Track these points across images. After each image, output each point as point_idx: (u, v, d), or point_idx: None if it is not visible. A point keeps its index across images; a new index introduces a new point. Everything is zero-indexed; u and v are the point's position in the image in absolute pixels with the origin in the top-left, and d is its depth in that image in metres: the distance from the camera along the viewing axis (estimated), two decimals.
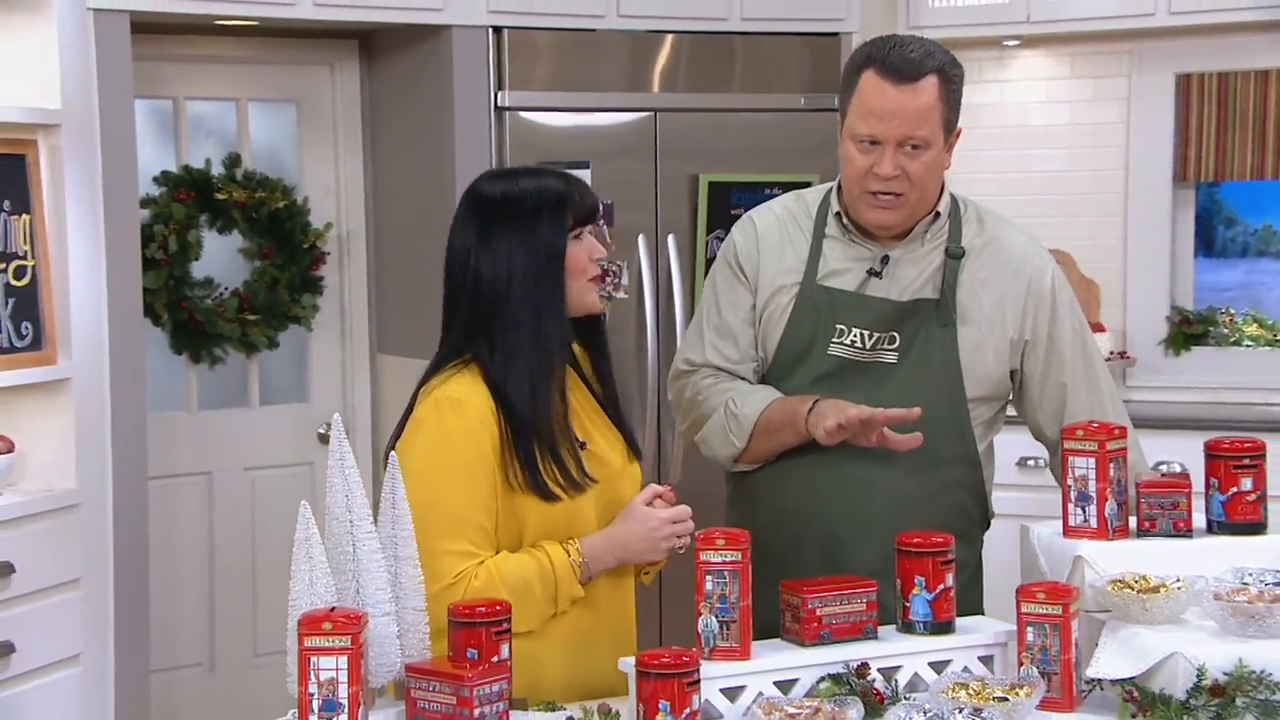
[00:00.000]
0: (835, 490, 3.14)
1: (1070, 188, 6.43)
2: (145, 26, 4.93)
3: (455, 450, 2.74)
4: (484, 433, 2.75)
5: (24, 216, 4.52)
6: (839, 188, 3.23)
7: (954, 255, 3.18)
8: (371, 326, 5.72)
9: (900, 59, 3.04)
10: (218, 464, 5.56)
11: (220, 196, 5.42)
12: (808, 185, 5.66)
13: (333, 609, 2.28)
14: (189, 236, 5.34)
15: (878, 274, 3.17)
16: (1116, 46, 6.30)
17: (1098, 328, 6.20)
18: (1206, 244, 6.68)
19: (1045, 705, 2.61)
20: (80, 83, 4.64)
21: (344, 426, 2.49)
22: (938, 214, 3.20)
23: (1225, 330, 6.29)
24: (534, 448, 2.77)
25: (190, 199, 5.38)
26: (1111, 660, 2.65)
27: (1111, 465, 2.83)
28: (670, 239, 5.45)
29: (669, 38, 5.52)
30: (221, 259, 5.53)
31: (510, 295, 2.80)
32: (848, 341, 3.16)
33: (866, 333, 3.15)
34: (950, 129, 3.12)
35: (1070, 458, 2.86)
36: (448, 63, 5.20)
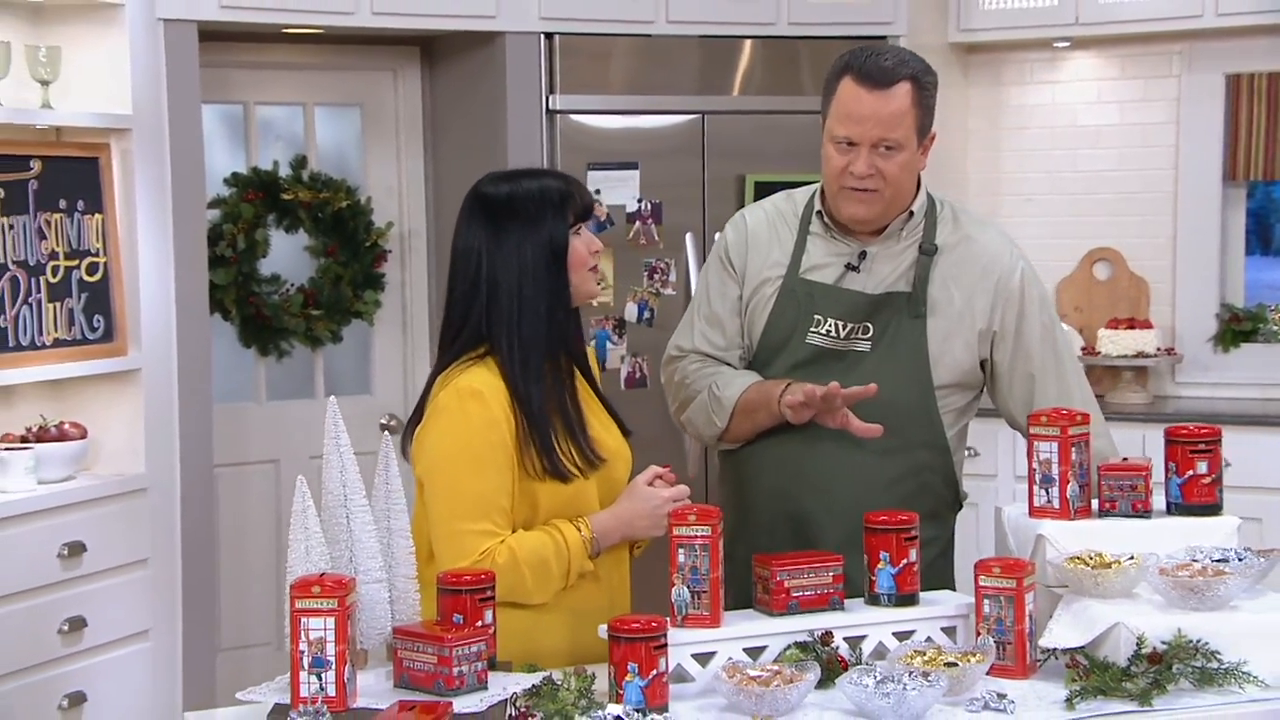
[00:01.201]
0: (806, 470, 3.35)
1: (1120, 187, 6.55)
2: (215, 35, 5.19)
3: (478, 437, 2.94)
4: (503, 421, 2.95)
5: (96, 216, 4.80)
6: (823, 189, 3.42)
7: (926, 252, 3.37)
8: (431, 321, 5.91)
9: (875, 67, 3.24)
10: (285, 452, 5.78)
11: (286, 197, 5.67)
12: None
13: (323, 574, 2.50)
14: (257, 235, 5.60)
15: (855, 268, 3.37)
16: (1166, 47, 6.41)
17: (1145, 325, 6.31)
18: (1264, 242, 6.76)
19: (1000, 672, 2.79)
20: (150, 89, 4.89)
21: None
22: (911, 213, 3.38)
23: (1275, 327, 6.37)
24: (552, 433, 2.97)
25: (258, 199, 5.64)
26: (1063, 631, 2.82)
27: (1073, 449, 3.00)
28: (717, 237, 5.60)
29: (716, 42, 5.69)
30: (288, 256, 5.78)
31: (523, 290, 2.99)
32: (823, 331, 3.36)
33: (841, 323, 3.35)
34: (924, 133, 3.30)
35: (1035, 442, 3.04)
36: (501, 68, 5.42)
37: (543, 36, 5.45)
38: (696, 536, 2.77)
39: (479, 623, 2.65)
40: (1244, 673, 2.69)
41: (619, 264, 5.51)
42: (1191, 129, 6.41)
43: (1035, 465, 3.03)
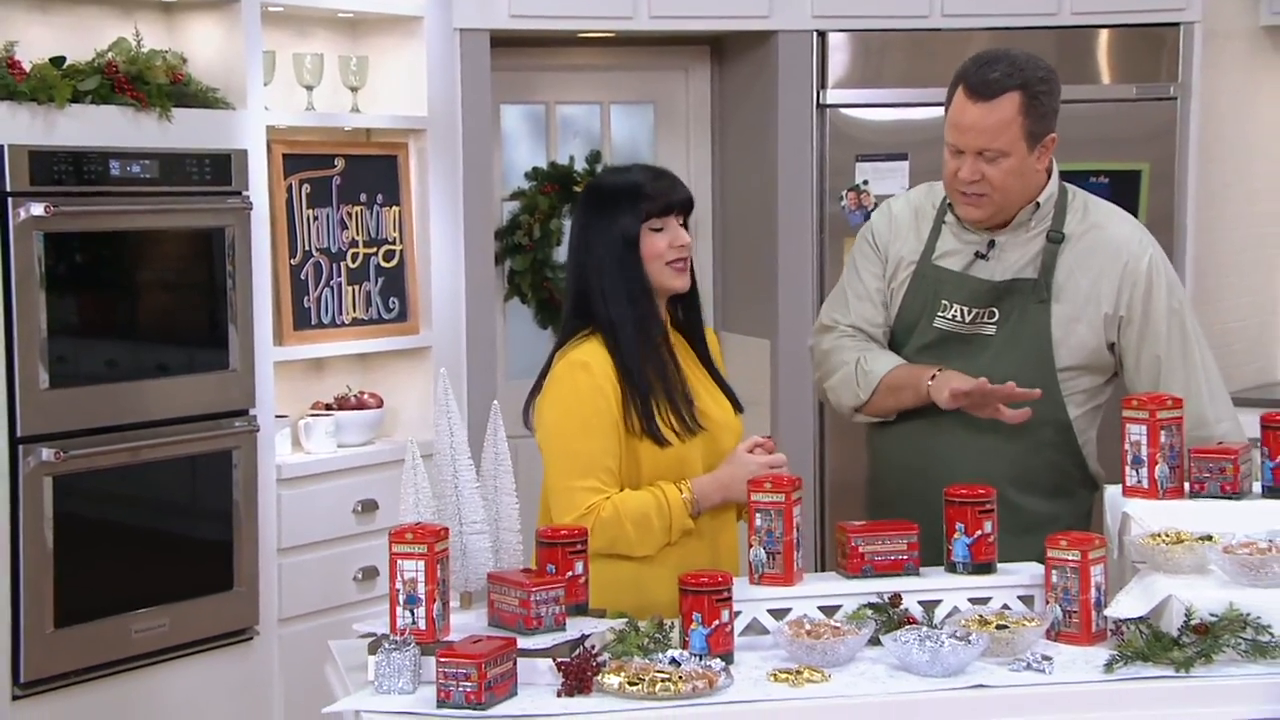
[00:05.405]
0: (934, 447, 3.55)
1: None
2: (514, 41, 5.64)
3: (585, 404, 3.29)
4: (608, 389, 3.28)
5: (394, 208, 5.34)
6: None
7: (1054, 240, 3.53)
8: (716, 307, 6.22)
9: (980, 80, 3.45)
10: None
11: (578, 189, 6.08)
12: (1137, 174, 5.87)
13: (418, 523, 2.88)
14: (551, 225, 6.04)
15: (984, 256, 3.55)
16: None
17: None
18: None
19: (1067, 639, 2.95)
20: (446, 92, 5.39)
21: None
22: (1038, 204, 3.53)
23: None
24: (650, 400, 3.28)
25: (554, 191, 6.08)
26: (1129, 602, 2.95)
27: (1162, 432, 3.12)
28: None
29: (992, 34, 5.69)
30: None
31: (603, 277, 3.32)
32: (949, 316, 3.56)
33: (966, 308, 3.54)
34: (1035, 138, 3.46)
35: (1126, 425, 3.16)
36: (774, 64, 5.69)
37: (815, 34, 5.66)
38: (771, 503, 3.02)
39: (569, 573, 2.97)
40: None
41: None
42: None
43: (1126, 447, 3.16)
